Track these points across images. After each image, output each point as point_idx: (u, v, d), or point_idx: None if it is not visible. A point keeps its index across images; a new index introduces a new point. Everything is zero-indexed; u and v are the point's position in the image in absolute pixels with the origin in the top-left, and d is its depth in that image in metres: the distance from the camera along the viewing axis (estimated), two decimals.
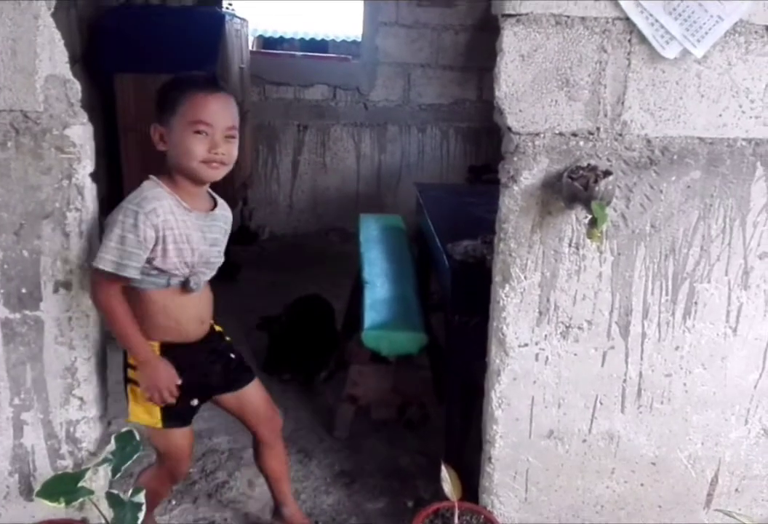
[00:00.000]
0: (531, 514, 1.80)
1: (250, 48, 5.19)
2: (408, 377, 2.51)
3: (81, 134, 1.54)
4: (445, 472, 1.70)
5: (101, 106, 3.75)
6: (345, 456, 2.38)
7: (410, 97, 5.05)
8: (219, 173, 1.66)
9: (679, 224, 1.63)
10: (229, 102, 1.66)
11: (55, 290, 1.60)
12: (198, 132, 1.59)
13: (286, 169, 5.06)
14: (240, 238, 4.59)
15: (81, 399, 1.67)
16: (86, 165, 1.56)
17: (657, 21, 1.52)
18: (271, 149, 5.00)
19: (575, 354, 1.69)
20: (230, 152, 1.66)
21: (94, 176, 1.61)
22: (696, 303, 1.67)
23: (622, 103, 1.56)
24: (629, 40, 1.53)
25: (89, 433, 1.71)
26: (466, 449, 2.10)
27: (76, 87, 1.51)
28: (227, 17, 3.90)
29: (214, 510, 2.14)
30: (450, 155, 5.19)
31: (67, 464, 1.71)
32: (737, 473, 1.79)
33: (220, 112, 1.62)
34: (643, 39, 1.52)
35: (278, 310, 3.12)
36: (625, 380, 1.71)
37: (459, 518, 1.72)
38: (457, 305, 2.15)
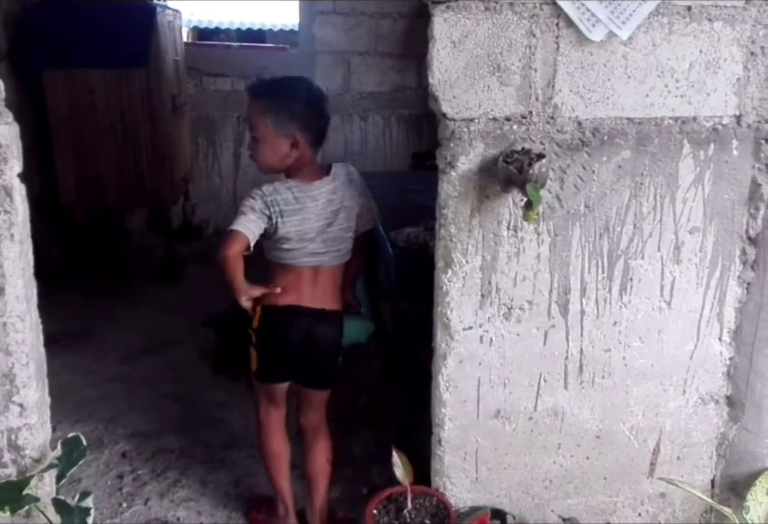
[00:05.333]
0: (482, 494, 1.84)
1: (184, 39, 5.10)
2: (357, 366, 2.52)
3: (6, 134, 1.49)
4: (396, 457, 1.72)
5: (31, 103, 3.65)
6: (298, 448, 2.38)
7: (350, 86, 5.03)
8: (259, 170, 1.91)
9: (612, 203, 1.67)
10: (250, 106, 1.85)
11: None
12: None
13: (228, 162, 4.99)
14: (183, 234, 4.52)
15: (21, 405, 1.63)
16: (14, 166, 1.51)
17: (583, 4, 1.54)
18: (211, 142, 4.93)
19: (518, 335, 1.72)
20: (255, 152, 1.86)
21: (24, 176, 1.56)
22: (631, 279, 1.72)
23: (553, 86, 1.59)
24: (557, 24, 1.55)
25: (32, 440, 1.66)
26: (418, 433, 2.13)
27: (0, 86, 1.46)
28: (159, 9, 3.82)
29: (166, 510, 2.12)
30: (393, 143, 5.19)
31: (10, 472, 1.67)
32: (678, 441, 1.86)
33: (249, 117, 1.86)
34: (570, 23, 1.55)
35: (225, 306, 3.09)
36: (566, 358, 1.75)
37: (412, 502, 1.74)
38: (402, 291, 2.17)
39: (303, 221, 1.83)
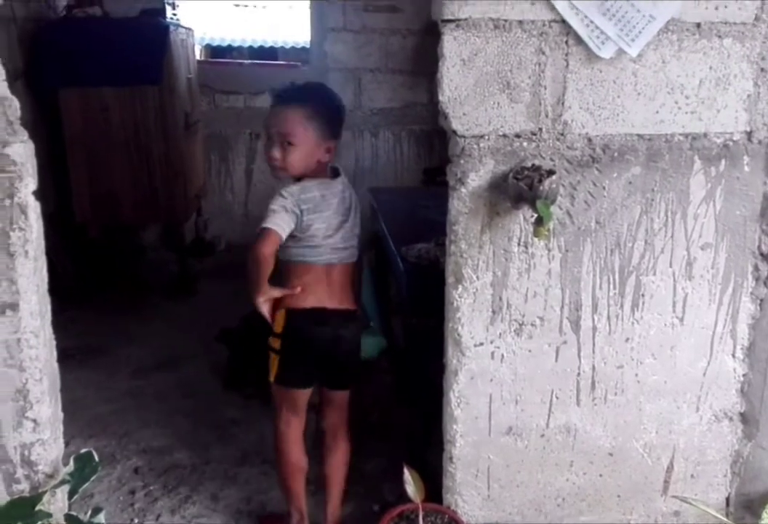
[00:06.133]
0: (494, 511, 1.83)
1: (197, 57, 5.15)
2: (369, 382, 2.52)
3: (21, 152, 1.51)
4: (407, 474, 1.71)
5: (46, 121, 3.70)
6: (310, 465, 2.37)
7: (361, 102, 5.06)
8: (280, 175, 1.89)
9: (623, 219, 1.67)
10: (285, 111, 1.85)
11: (2, 312, 1.56)
12: (267, 138, 1.88)
13: (240, 178, 5.03)
14: (196, 249, 4.55)
15: (34, 421, 1.64)
16: (28, 183, 1.53)
17: (592, 22, 1.55)
18: (224, 159, 4.97)
19: (529, 351, 1.72)
20: (285, 157, 1.84)
21: (39, 194, 1.59)
22: (643, 295, 1.71)
23: (562, 103, 1.59)
24: (566, 42, 1.56)
25: (45, 455, 1.67)
26: (430, 450, 2.12)
27: (15, 105, 1.48)
28: (172, 27, 3.87)
29: None
30: (404, 158, 5.21)
31: (23, 488, 1.67)
32: (692, 459, 1.84)
33: (274, 120, 1.85)
34: (579, 40, 1.56)
35: (238, 322, 3.10)
36: (579, 374, 1.74)
37: (423, 519, 1.73)
38: (413, 307, 2.17)
39: (329, 217, 1.88)
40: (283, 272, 1.94)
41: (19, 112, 1.50)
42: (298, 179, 1.89)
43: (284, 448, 2.02)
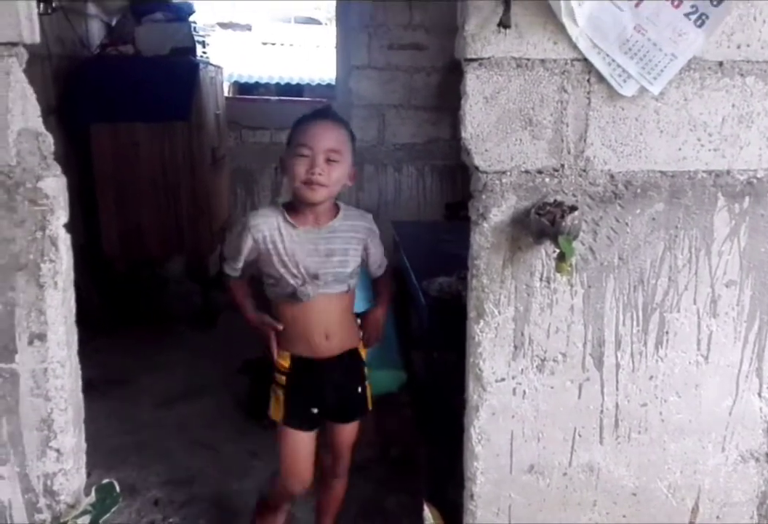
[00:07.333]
0: None
1: (225, 94, 5.27)
2: (389, 416, 2.50)
3: (54, 186, 1.55)
4: (427, 511, 1.69)
5: (78, 156, 3.79)
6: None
7: (385, 138, 5.13)
8: (318, 194, 1.79)
9: (646, 256, 1.66)
10: (331, 127, 1.82)
11: (30, 342, 1.59)
12: (301, 155, 1.77)
13: None
14: (220, 282, 4.58)
15: (58, 450, 1.65)
16: (60, 216, 1.57)
17: (614, 61, 1.57)
18: (249, 192, 5.05)
19: (552, 387, 1.70)
20: (330, 173, 1.78)
21: (69, 227, 1.62)
22: (667, 333, 1.70)
23: (585, 140, 1.61)
24: (588, 80, 1.58)
25: (67, 485, 1.68)
26: (451, 486, 2.09)
27: (49, 140, 1.53)
28: (201, 65, 3.97)
29: None
30: (427, 193, 5.25)
31: (45, 517, 1.68)
32: (717, 500, 1.80)
33: (320, 135, 1.78)
34: (601, 78, 1.57)
35: (260, 353, 3.11)
36: (602, 412, 1.72)
37: None
38: (434, 341, 2.17)
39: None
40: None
41: (53, 148, 1.54)
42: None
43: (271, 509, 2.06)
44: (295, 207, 1.86)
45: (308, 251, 1.84)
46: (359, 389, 2.01)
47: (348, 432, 2.03)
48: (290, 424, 1.93)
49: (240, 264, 1.91)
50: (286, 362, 1.93)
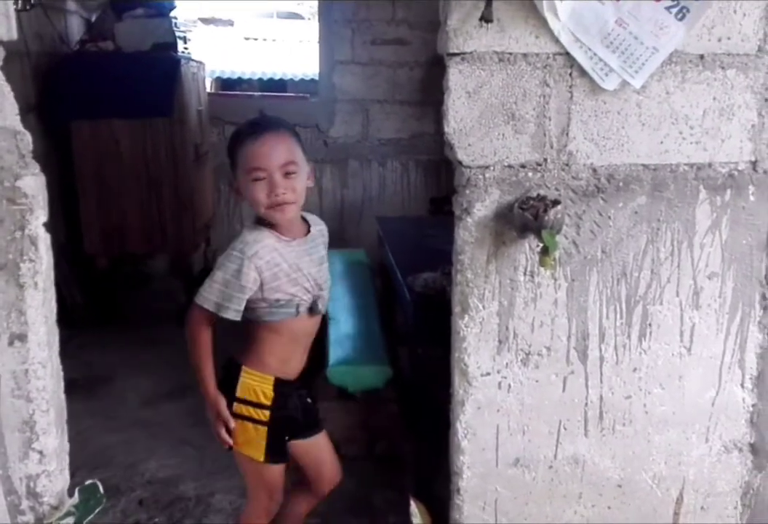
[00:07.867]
0: None
1: (207, 90, 5.23)
2: (375, 412, 2.50)
3: (33, 185, 1.53)
4: (414, 507, 1.69)
5: (58, 153, 3.75)
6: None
7: (369, 133, 5.12)
8: (288, 213, 1.70)
9: (629, 249, 1.67)
10: (278, 140, 1.68)
11: (11, 343, 1.57)
12: (256, 179, 1.65)
13: (249, 208, 5.04)
14: (204, 279, 4.55)
15: (40, 452, 1.63)
16: (39, 215, 1.55)
17: (595, 54, 1.57)
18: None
19: (536, 381, 1.71)
20: (294, 187, 1.67)
21: (49, 225, 1.60)
22: (650, 325, 1.70)
23: (567, 134, 1.61)
24: (570, 74, 1.58)
25: (50, 487, 1.66)
26: (437, 481, 2.10)
27: (27, 138, 1.51)
28: (183, 61, 3.94)
29: None
30: (411, 188, 5.25)
31: (28, 519, 1.66)
32: (701, 491, 1.81)
33: (268, 153, 1.65)
34: (583, 72, 1.58)
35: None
36: (586, 404, 1.73)
37: None
38: (419, 337, 2.17)
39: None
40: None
41: (31, 146, 1.52)
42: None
43: None
44: (276, 224, 1.74)
45: (308, 262, 1.76)
46: (311, 400, 1.93)
47: (324, 443, 1.95)
48: (274, 461, 1.79)
49: (243, 305, 1.71)
50: (269, 391, 1.78)
